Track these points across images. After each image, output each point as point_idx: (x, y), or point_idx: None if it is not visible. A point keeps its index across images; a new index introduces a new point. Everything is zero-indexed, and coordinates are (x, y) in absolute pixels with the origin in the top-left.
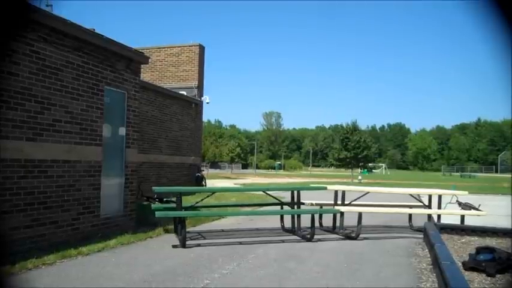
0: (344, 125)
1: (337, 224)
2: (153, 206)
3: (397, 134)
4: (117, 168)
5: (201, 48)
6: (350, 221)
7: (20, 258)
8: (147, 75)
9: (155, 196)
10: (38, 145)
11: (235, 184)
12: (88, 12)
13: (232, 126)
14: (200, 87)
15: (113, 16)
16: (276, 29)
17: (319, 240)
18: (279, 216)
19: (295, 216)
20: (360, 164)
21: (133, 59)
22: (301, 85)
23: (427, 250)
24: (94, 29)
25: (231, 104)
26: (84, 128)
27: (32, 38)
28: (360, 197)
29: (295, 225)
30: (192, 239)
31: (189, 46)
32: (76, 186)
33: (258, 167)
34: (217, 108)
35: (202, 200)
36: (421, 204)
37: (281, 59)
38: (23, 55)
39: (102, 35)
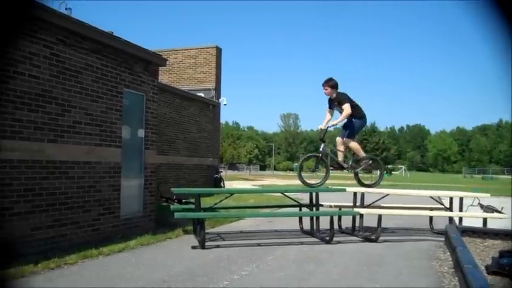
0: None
1: (357, 226)
2: (172, 207)
3: (417, 135)
4: (136, 169)
5: (218, 50)
6: (369, 223)
7: (43, 258)
8: (164, 77)
9: (174, 197)
10: (59, 146)
11: (253, 185)
12: (107, 15)
13: (250, 128)
14: (217, 88)
15: (131, 18)
16: (293, 30)
17: (339, 242)
18: (297, 218)
19: (314, 218)
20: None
21: (151, 61)
22: (318, 86)
23: (448, 253)
24: (112, 32)
25: (249, 106)
26: (103, 130)
27: (51, 40)
28: (379, 199)
29: (314, 227)
30: (211, 240)
31: (206, 48)
32: (96, 187)
33: (275, 169)
34: (235, 110)
35: (220, 201)
36: (442, 206)
37: (298, 60)
38: (43, 58)
39: (120, 38)
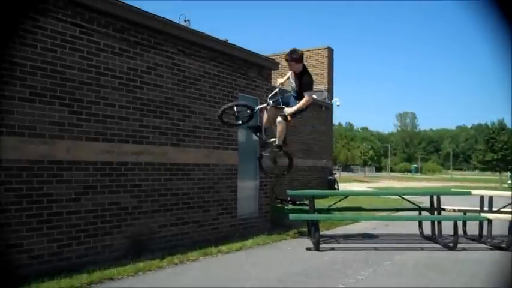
0: (489, 124)
1: (484, 232)
2: (286, 208)
3: None
4: (251, 171)
5: (330, 51)
6: (498, 230)
7: (167, 254)
8: (277, 80)
9: (289, 199)
10: (181, 150)
11: (368, 188)
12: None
13: (364, 129)
14: (330, 90)
15: (244, 25)
16: (409, 26)
17: (464, 249)
18: (416, 222)
19: (436, 222)
20: (509, 167)
21: (264, 66)
22: (437, 83)
23: None
24: (227, 40)
25: (363, 106)
26: (221, 134)
27: (172, 51)
28: (510, 204)
29: (436, 232)
30: (325, 243)
31: (318, 49)
32: (215, 188)
33: (392, 170)
34: (348, 111)
35: (335, 203)
36: None
37: (414, 57)
38: (165, 68)
39: (235, 45)
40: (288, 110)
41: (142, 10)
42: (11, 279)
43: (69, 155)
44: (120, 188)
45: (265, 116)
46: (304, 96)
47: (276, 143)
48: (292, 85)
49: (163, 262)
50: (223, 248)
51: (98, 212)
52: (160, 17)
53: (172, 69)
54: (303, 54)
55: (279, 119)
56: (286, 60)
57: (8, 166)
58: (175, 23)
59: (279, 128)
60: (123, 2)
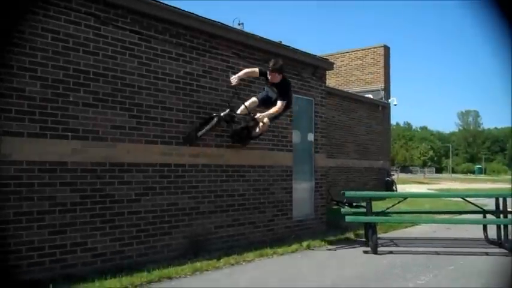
0: None
1: None
2: (342, 210)
3: None
4: (306, 172)
5: (386, 49)
6: None
7: (224, 254)
8: (332, 80)
9: (345, 200)
10: (237, 151)
11: (428, 189)
12: (275, 25)
13: (423, 128)
14: (387, 89)
15: (297, 26)
16: (469, 21)
17: None
18: (480, 226)
19: (501, 226)
20: None
21: (319, 66)
22: (502, 79)
23: None
24: (281, 41)
25: (421, 105)
26: (276, 135)
27: (227, 54)
28: None
29: (501, 237)
30: (383, 246)
31: (373, 48)
32: (270, 190)
33: (453, 171)
34: (406, 110)
35: (393, 205)
36: None
37: (477, 53)
38: (220, 71)
39: (289, 46)
40: (259, 114)
41: (198, 15)
42: (75, 276)
43: (129, 158)
44: (178, 189)
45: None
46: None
47: (256, 133)
48: (269, 93)
49: (219, 262)
50: (279, 249)
51: (157, 213)
52: (215, 21)
53: (227, 72)
54: (282, 65)
55: (260, 118)
56: (270, 71)
57: (73, 168)
58: (229, 26)
59: (264, 129)
60: (179, 9)
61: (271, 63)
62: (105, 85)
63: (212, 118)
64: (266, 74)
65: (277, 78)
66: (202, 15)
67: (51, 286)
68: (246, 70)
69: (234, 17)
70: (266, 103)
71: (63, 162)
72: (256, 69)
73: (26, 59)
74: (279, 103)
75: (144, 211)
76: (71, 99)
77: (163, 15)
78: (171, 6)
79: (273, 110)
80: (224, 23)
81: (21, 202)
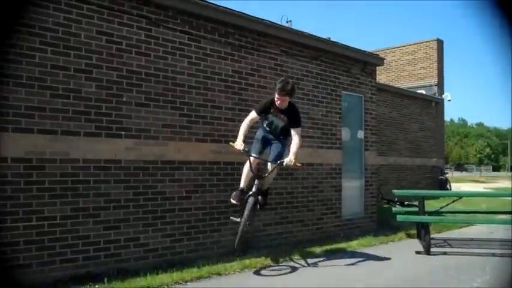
0: None
1: None
2: (393, 209)
3: None
4: (356, 170)
5: (439, 43)
6: None
7: (272, 252)
8: (382, 76)
9: (396, 199)
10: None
11: (485, 188)
12: (324, 21)
13: (479, 124)
14: (440, 84)
15: (347, 21)
16: None
17: None
18: None
19: None
20: None
21: (368, 62)
22: None
23: None
24: (330, 38)
25: (477, 100)
26: (324, 133)
27: (275, 52)
28: None
29: None
30: (436, 246)
31: (426, 42)
32: (319, 188)
33: None
34: (461, 106)
35: (447, 204)
36: None
37: None
38: (269, 69)
39: (338, 43)
40: (290, 158)
41: (247, 14)
42: (128, 270)
43: (180, 156)
44: (227, 187)
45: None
46: (291, 134)
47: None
48: (275, 122)
49: (267, 260)
50: (328, 248)
51: (207, 210)
52: (263, 19)
53: (275, 70)
54: (294, 85)
55: (268, 173)
56: (281, 94)
57: (127, 166)
58: (278, 24)
59: (268, 181)
60: (228, 8)
61: (279, 85)
62: (156, 85)
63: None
64: (266, 108)
65: (286, 102)
66: (251, 14)
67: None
68: (243, 126)
69: (280, 14)
70: (268, 141)
71: (117, 160)
72: (253, 113)
73: (82, 61)
74: (297, 132)
75: (194, 208)
76: (124, 99)
77: (213, 15)
78: (220, 6)
79: (297, 143)
80: (272, 21)
81: (78, 198)
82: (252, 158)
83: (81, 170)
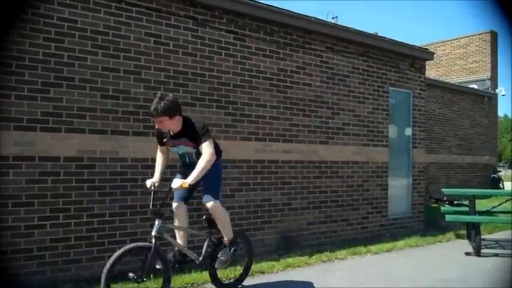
0: None
1: None
2: (442, 208)
3: None
4: (403, 168)
5: (493, 35)
6: None
7: (316, 251)
8: (432, 71)
9: (445, 198)
10: (330, 148)
11: None
12: (372, 17)
13: None
14: (494, 78)
15: (393, 14)
16: None
17: None
18: None
19: None
20: None
21: (417, 57)
22: None
23: None
24: (377, 33)
25: None
26: (370, 130)
27: (321, 49)
28: None
29: None
30: (487, 247)
31: (479, 35)
32: (364, 186)
33: None
34: None
35: (499, 204)
36: None
37: None
38: (314, 66)
39: (385, 38)
40: (190, 178)
41: (292, 12)
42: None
43: (225, 154)
44: (271, 185)
45: (180, 234)
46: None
47: (230, 236)
48: (182, 151)
49: (311, 259)
50: (373, 247)
51: (251, 208)
52: (308, 16)
53: (320, 67)
54: (176, 102)
55: (212, 209)
56: (156, 116)
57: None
58: (323, 21)
59: (221, 217)
60: (274, 6)
61: (152, 106)
62: (202, 84)
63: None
64: (160, 137)
65: (170, 123)
66: (295, 11)
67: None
68: (157, 163)
69: (326, 9)
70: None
71: None
72: (159, 149)
73: (131, 63)
74: (205, 147)
75: (238, 206)
76: None
77: (258, 13)
78: (265, 4)
79: (202, 163)
80: (318, 17)
81: (126, 196)
82: (174, 204)
83: (129, 169)
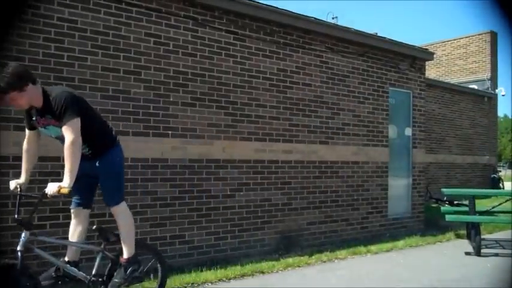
0: None
1: None
2: (442, 208)
3: None
4: (403, 169)
5: (493, 36)
6: None
7: (316, 251)
8: (432, 71)
9: (445, 198)
10: (330, 148)
11: None
12: (371, 17)
13: None
14: (493, 78)
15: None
16: None
17: None
18: None
19: None
20: None
21: (417, 57)
22: None
23: None
24: (377, 33)
25: None
26: (370, 130)
27: (320, 49)
28: None
29: None
30: (487, 247)
31: (479, 35)
32: (364, 186)
33: None
34: None
35: (499, 204)
36: None
37: None
38: (314, 66)
39: (385, 38)
40: (66, 180)
41: (292, 12)
42: (173, 267)
43: (225, 154)
44: (271, 185)
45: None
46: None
47: (125, 254)
48: (52, 132)
49: (311, 259)
50: (373, 247)
51: (251, 208)
52: (308, 17)
53: (320, 67)
54: (21, 68)
55: (115, 211)
56: (3, 93)
57: (173, 165)
58: (323, 21)
59: (124, 223)
60: (274, 7)
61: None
62: (202, 85)
63: None
64: (27, 117)
65: (26, 97)
66: (295, 12)
67: None
68: (24, 157)
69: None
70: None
71: (163, 159)
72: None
73: (131, 63)
74: (66, 129)
75: (238, 206)
76: (171, 99)
77: (258, 13)
78: (265, 4)
79: (67, 152)
80: (318, 18)
81: (126, 196)
82: (71, 210)
83: (129, 169)
